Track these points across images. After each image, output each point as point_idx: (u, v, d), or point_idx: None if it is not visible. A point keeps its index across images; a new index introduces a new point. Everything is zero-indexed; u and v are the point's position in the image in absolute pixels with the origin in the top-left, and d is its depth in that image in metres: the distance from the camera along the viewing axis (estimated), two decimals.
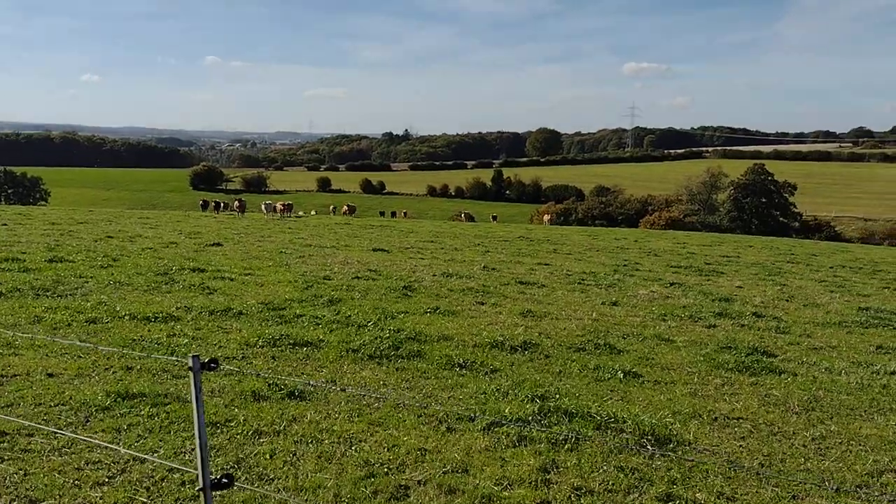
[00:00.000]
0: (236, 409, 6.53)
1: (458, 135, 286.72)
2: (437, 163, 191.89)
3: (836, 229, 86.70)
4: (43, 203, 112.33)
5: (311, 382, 7.14)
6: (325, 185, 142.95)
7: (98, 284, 11.94)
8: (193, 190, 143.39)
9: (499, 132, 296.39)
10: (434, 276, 14.92)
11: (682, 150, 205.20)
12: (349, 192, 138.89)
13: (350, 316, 10.38)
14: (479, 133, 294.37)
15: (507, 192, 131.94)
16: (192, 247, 18.41)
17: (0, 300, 10.47)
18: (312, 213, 60.40)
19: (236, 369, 7.25)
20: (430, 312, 11.02)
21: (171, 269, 13.71)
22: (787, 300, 14.31)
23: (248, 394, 6.93)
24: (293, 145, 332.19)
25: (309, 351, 8.62)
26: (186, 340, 8.72)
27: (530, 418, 6.53)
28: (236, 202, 46.73)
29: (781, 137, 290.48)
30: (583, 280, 15.25)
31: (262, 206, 45.05)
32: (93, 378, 7.26)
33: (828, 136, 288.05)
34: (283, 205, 46.94)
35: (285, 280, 13.27)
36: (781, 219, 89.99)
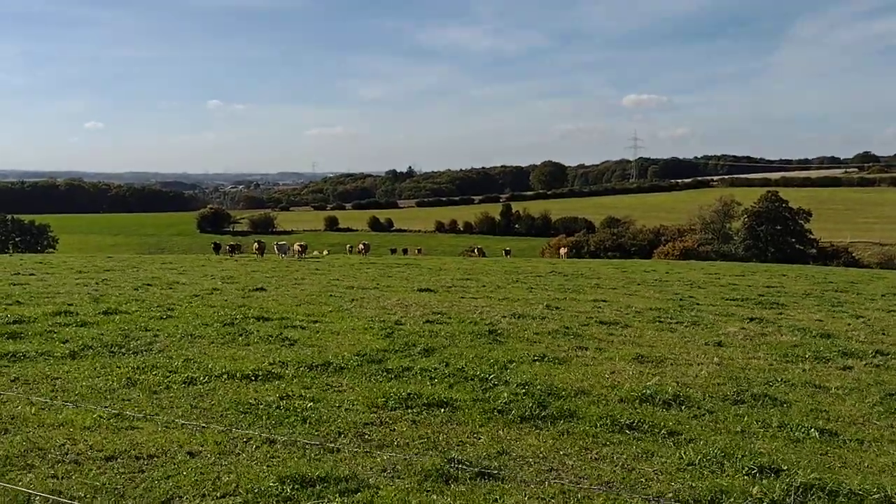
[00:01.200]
0: (434, 497, 5.51)
1: (461, 170, 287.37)
2: (444, 198, 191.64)
3: (854, 255, 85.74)
4: (51, 250, 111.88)
5: (486, 456, 6.11)
6: (332, 225, 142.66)
7: (169, 338, 11.07)
8: (201, 233, 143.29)
9: (502, 167, 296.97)
10: (505, 317, 13.99)
11: (689, 180, 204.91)
12: (357, 230, 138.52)
13: (462, 368, 9.44)
14: (483, 168, 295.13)
15: (517, 225, 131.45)
16: (237, 293, 17.48)
17: (77, 360, 9.53)
18: (325, 252, 59.58)
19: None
20: (538, 361, 10.12)
21: (236, 319, 12.83)
22: (883, 333, 13.32)
23: (434, 474, 5.89)
24: (297, 185, 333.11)
25: (448, 413, 7.65)
26: (305, 403, 7.77)
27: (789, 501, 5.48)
28: (255, 244, 45.93)
29: (785, 164, 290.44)
30: (659, 318, 14.28)
31: (275, 248, 44.11)
32: (241, 456, 6.22)
33: (833, 161, 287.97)
34: (300, 245, 46.21)
35: (359, 327, 12.39)
36: (798, 246, 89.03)
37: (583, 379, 9.13)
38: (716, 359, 10.40)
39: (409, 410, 7.64)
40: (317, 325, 12.44)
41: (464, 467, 5.97)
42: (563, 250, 69.21)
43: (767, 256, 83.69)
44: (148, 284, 18.82)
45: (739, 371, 9.70)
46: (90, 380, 8.50)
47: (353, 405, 7.80)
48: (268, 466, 5.94)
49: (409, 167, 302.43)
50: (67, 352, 9.82)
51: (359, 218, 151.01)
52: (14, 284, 18.42)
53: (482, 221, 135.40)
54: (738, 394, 8.42)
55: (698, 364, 10.07)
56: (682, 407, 7.93)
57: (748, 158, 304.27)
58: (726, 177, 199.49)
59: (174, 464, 6.00)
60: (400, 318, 13.52)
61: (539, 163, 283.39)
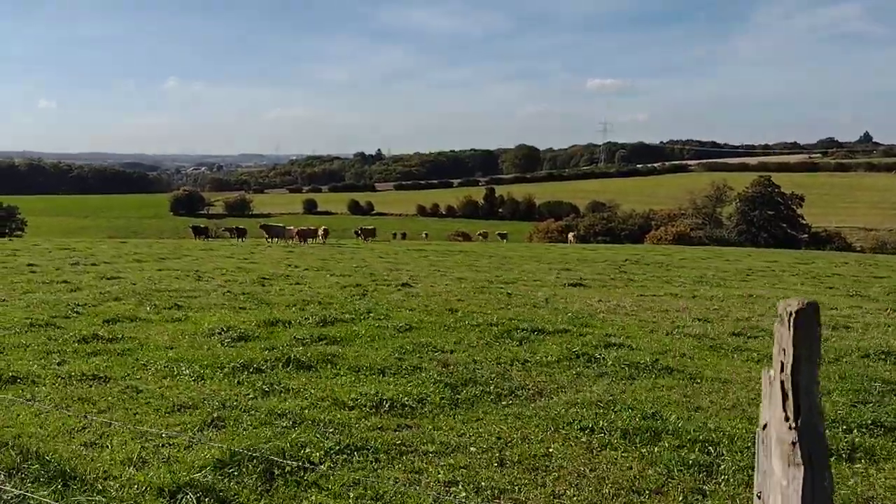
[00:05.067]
0: None
1: (431, 153, 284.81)
2: (423, 182, 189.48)
3: (847, 240, 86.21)
4: (19, 233, 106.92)
5: None
6: (311, 208, 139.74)
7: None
8: (174, 215, 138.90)
9: (472, 150, 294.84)
10: (698, 319, 12.09)
11: (666, 164, 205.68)
12: (336, 213, 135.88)
13: None
14: (453, 151, 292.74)
15: (500, 210, 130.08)
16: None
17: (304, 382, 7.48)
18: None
19: None
20: None
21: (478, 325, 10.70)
22: None
23: None
24: (263, 167, 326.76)
25: None
26: None
27: None
28: (293, 229, 43.26)
29: (749, 150, 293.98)
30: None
31: (265, 230, 41.62)
32: None
33: (794, 147, 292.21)
34: (324, 230, 44.02)
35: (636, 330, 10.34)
36: (790, 231, 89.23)
37: None
38: None
39: None
40: (623, 341, 10.12)
41: None
42: (571, 235, 68.00)
43: (760, 241, 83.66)
44: (262, 283, 16.36)
45: None
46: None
47: None
48: None
49: (378, 150, 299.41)
50: None
51: (336, 201, 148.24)
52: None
53: (465, 205, 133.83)
54: None
55: None
56: None
57: (713, 143, 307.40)
58: (704, 161, 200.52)
59: None
60: (699, 330, 11.02)
61: (505, 146, 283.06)
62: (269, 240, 40.78)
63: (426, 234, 71.48)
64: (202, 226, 58.12)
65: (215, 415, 6.58)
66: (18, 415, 6.48)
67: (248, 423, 6.40)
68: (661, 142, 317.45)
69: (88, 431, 6.10)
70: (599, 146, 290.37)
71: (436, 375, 8.03)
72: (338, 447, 5.84)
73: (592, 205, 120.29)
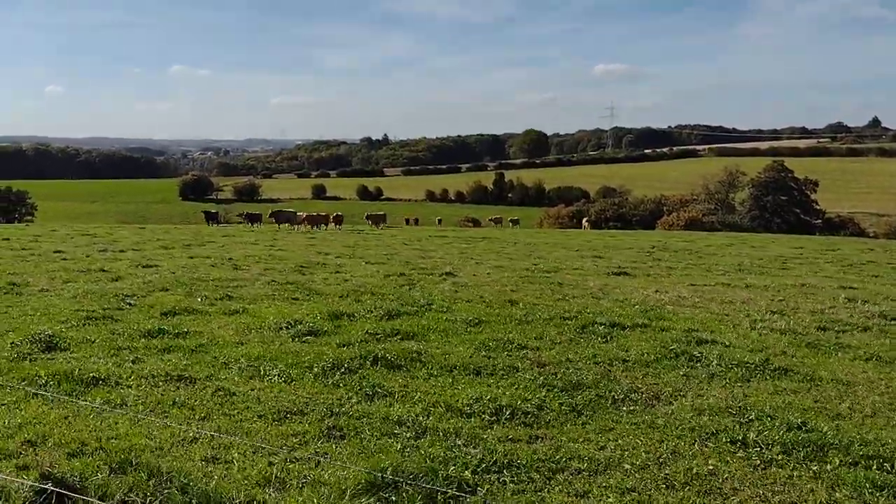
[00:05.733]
0: None
1: (438, 138, 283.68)
2: (431, 167, 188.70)
3: (861, 226, 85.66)
4: (29, 218, 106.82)
5: None
6: (320, 193, 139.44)
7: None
8: (183, 200, 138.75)
9: (479, 135, 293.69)
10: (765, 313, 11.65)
11: (676, 150, 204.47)
12: (345, 198, 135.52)
13: None
14: (459, 136, 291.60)
15: (510, 195, 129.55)
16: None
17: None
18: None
19: None
20: None
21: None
22: None
23: None
24: (270, 152, 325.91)
25: None
26: None
27: None
28: (333, 216, 43.31)
29: (757, 134, 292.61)
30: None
31: (273, 217, 41.40)
32: None
33: (803, 132, 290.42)
34: (337, 216, 43.85)
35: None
36: (803, 217, 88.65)
37: None
38: None
39: None
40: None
41: None
42: (585, 220, 67.71)
43: (773, 227, 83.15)
44: (342, 281, 15.92)
45: None
46: None
47: None
48: None
49: (385, 135, 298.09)
50: None
51: (345, 186, 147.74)
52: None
53: (474, 190, 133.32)
54: None
55: None
56: None
57: (721, 128, 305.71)
58: (714, 146, 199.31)
59: None
60: (782, 325, 10.59)
61: (512, 132, 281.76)
62: (279, 225, 40.47)
63: (440, 220, 71.26)
64: (213, 211, 57.95)
65: (328, 423, 6.30)
66: (116, 423, 6.16)
67: (369, 433, 6.11)
68: (669, 126, 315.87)
69: (201, 443, 5.79)
70: (606, 131, 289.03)
71: (535, 376, 7.72)
72: (483, 464, 5.50)
73: (603, 190, 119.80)
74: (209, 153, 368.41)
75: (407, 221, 69.74)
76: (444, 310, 11.03)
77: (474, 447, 5.81)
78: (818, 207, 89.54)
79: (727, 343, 9.27)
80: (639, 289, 13.72)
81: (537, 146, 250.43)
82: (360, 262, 18.31)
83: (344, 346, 8.85)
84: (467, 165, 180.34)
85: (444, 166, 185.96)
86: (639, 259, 20.93)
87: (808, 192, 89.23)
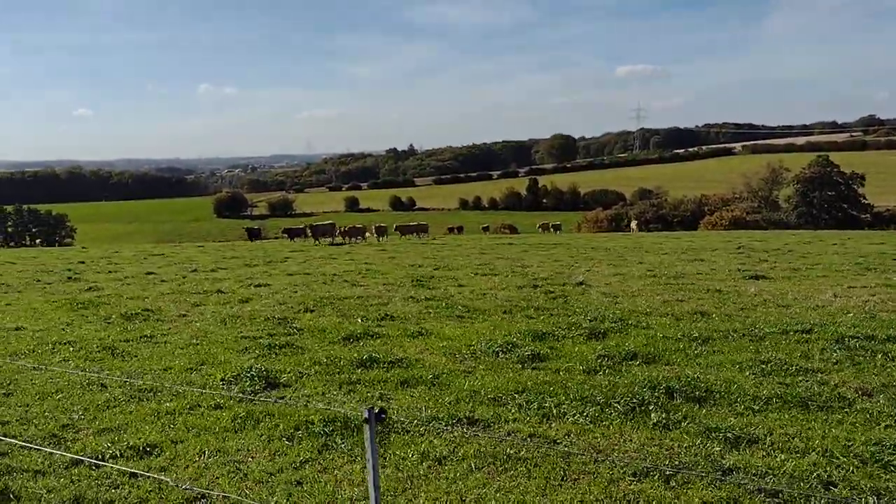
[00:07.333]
0: None
1: (463, 147, 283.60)
2: (462, 175, 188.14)
3: None
4: (69, 241, 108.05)
5: None
6: (353, 205, 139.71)
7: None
8: (218, 217, 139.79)
9: (504, 142, 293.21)
10: None
11: (707, 149, 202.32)
12: (378, 210, 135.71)
13: None
14: (485, 143, 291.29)
15: (545, 200, 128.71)
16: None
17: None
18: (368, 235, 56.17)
19: None
20: None
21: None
22: None
23: None
24: (297, 167, 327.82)
25: None
26: None
27: None
28: (374, 226, 42.69)
29: (787, 130, 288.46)
30: None
31: (309, 231, 40.52)
32: None
33: (834, 126, 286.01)
34: (377, 227, 43.41)
35: None
36: (851, 212, 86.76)
37: None
38: None
39: None
40: None
41: None
42: (634, 224, 66.80)
43: (821, 223, 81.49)
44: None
45: None
46: None
47: None
48: None
49: (411, 145, 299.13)
50: None
51: (378, 197, 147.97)
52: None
53: (507, 197, 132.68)
54: None
55: None
56: None
57: (750, 125, 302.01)
58: (748, 143, 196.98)
59: None
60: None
61: (538, 137, 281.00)
62: (316, 240, 39.54)
63: (485, 228, 70.65)
64: (256, 227, 57.65)
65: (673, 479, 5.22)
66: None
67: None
68: (696, 126, 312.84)
69: None
70: (633, 133, 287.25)
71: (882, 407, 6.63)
72: None
73: (639, 192, 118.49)
74: (237, 170, 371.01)
75: (451, 230, 69.09)
76: (645, 326, 10.19)
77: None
78: (866, 202, 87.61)
79: None
80: (808, 295, 12.88)
81: (565, 150, 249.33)
82: (468, 274, 17.68)
83: (588, 372, 7.93)
84: (498, 172, 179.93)
85: (474, 174, 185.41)
86: (748, 262, 20.08)
87: (856, 187, 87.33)
